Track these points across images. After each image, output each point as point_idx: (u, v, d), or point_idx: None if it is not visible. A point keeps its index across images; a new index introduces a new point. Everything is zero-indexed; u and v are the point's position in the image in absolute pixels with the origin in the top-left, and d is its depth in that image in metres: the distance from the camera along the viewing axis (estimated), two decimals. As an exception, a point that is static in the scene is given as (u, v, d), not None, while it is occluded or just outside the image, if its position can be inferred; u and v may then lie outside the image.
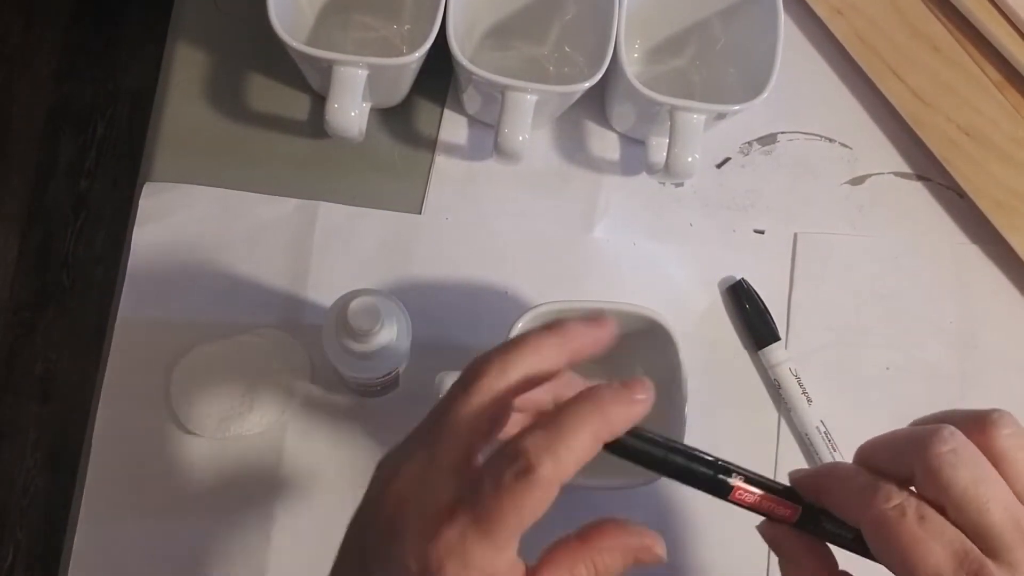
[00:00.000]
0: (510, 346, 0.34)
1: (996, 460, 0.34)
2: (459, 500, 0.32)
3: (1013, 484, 0.33)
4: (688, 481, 0.35)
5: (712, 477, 0.35)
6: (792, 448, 0.58)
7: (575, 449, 0.31)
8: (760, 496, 0.36)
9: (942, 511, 0.33)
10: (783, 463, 0.57)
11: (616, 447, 0.34)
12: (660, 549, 0.34)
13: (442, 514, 0.32)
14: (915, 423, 0.37)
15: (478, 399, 0.33)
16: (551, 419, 0.32)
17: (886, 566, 0.33)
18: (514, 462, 0.31)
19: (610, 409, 0.32)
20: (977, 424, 0.34)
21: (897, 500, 0.33)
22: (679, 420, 0.48)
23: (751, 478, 0.36)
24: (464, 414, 0.33)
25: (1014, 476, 0.33)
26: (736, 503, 0.36)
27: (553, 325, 0.35)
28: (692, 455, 0.35)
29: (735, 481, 0.35)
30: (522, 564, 0.33)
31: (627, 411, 0.33)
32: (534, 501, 0.31)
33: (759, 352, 0.58)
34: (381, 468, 0.35)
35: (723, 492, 0.35)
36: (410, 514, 0.33)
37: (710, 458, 0.35)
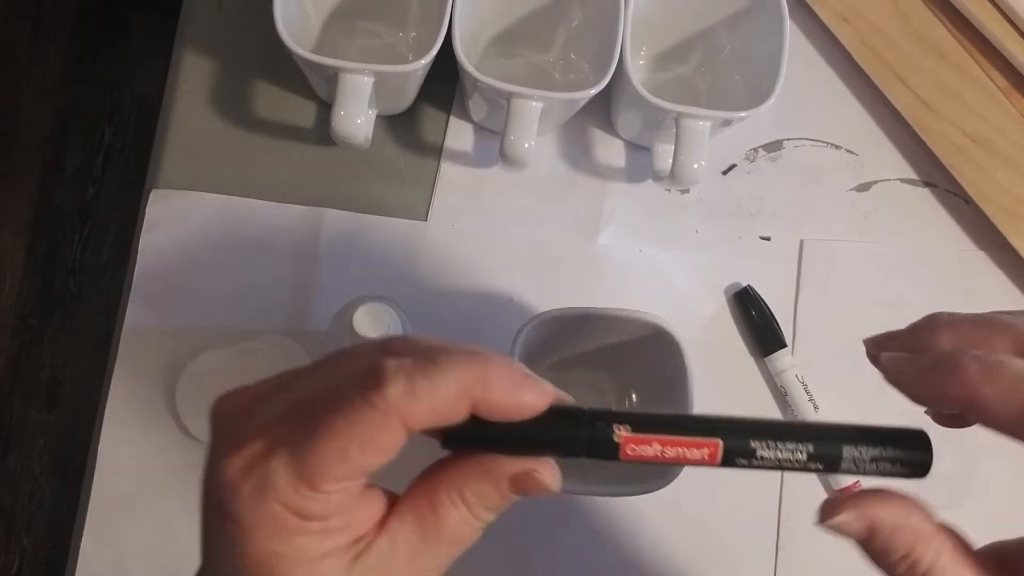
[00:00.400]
0: (424, 375, 0.27)
1: None
2: (295, 407, 0.27)
3: None
4: (562, 452, 0.29)
5: (587, 440, 0.28)
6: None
7: (437, 390, 0.26)
8: (659, 445, 0.28)
9: None
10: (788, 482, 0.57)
11: (460, 435, 0.28)
12: (546, 476, 0.28)
13: (259, 428, 0.27)
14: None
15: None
16: (428, 349, 0.28)
17: None
18: (367, 376, 0.26)
19: (495, 374, 0.27)
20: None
21: None
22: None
23: (643, 419, 0.29)
24: (340, 358, 0.29)
25: None
26: (636, 461, 0.29)
27: (479, 361, 0.27)
28: (551, 421, 0.28)
29: (620, 434, 0.28)
30: (370, 501, 0.28)
31: (513, 389, 0.27)
32: (370, 428, 0.25)
33: (765, 359, 0.58)
34: (220, 396, 0.30)
35: (610, 454, 0.29)
36: (226, 428, 0.28)
37: (579, 411, 0.29)
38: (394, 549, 0.28)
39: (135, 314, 0.55)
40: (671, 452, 0.28)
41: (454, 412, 0.27)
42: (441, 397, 0.26)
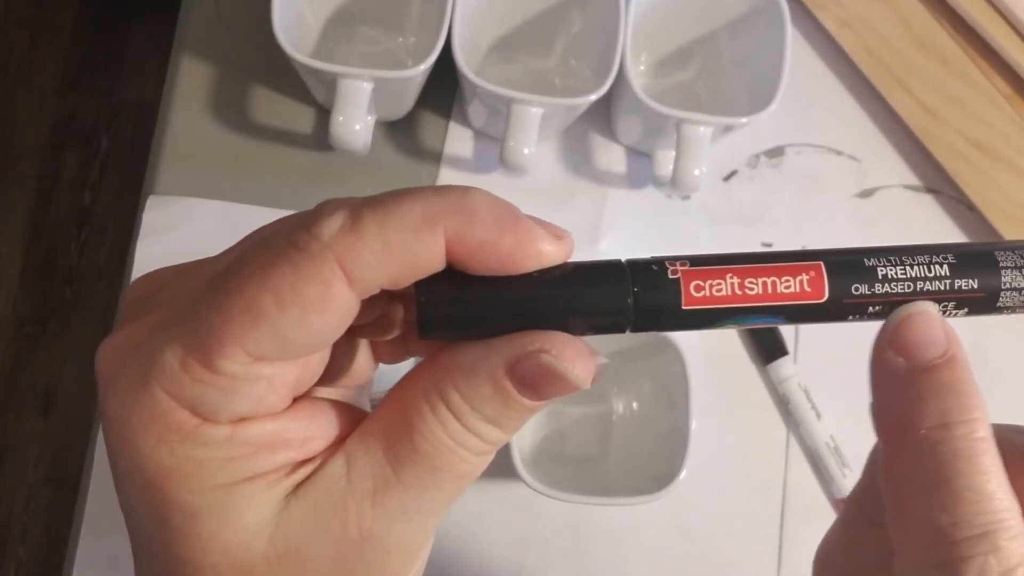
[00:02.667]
0: (369, 210, 0.20)
1: None
2: (196, 288, 0.20)
3: None
4: (595, 321, 0.20)
5: (632, 290, 0.20)
6: (801, 464, 0.57)
7: (389, 218, 0.19)
8: (736, 278, 0.20)
9: None
10: (792, 479, 0.57)
11: (440, 308, 0.20)
12: (568, 357, 0.20)
13: (161, 303, 0.21)
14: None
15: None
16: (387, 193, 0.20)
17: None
18: (302, 223, 0.20)
19: (478, 197, 0.20)
20: None
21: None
22: (685, 435, 0.48)
23: (705, 258, 0.21)
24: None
25: None
26: (707, 308, 0.20)
27: (438, 191, 0.20)
28: (572, 277, 0.20)
29: (678, 270, 0.20)
30: (318, 412, 0.21)
31: (507, 219, 0.20)
32: (290, 274, 0.18)
33: (767, 367, 0.57)
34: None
35: (668, 301, 0.20)
36: (126, 311, 0.22)
37: (610, 262, 0.21)
38: (352, 476, 0.20)
39: (131, 322, 0.54)
40: (754, 288, 0.20)
41: (420, 257, 0.19)
42: (397, 229, 0.19)
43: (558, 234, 0.21)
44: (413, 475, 0.20)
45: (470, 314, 0.20)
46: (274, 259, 0.19)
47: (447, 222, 0.19)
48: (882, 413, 0.24)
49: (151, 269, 0.56)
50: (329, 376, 0.22)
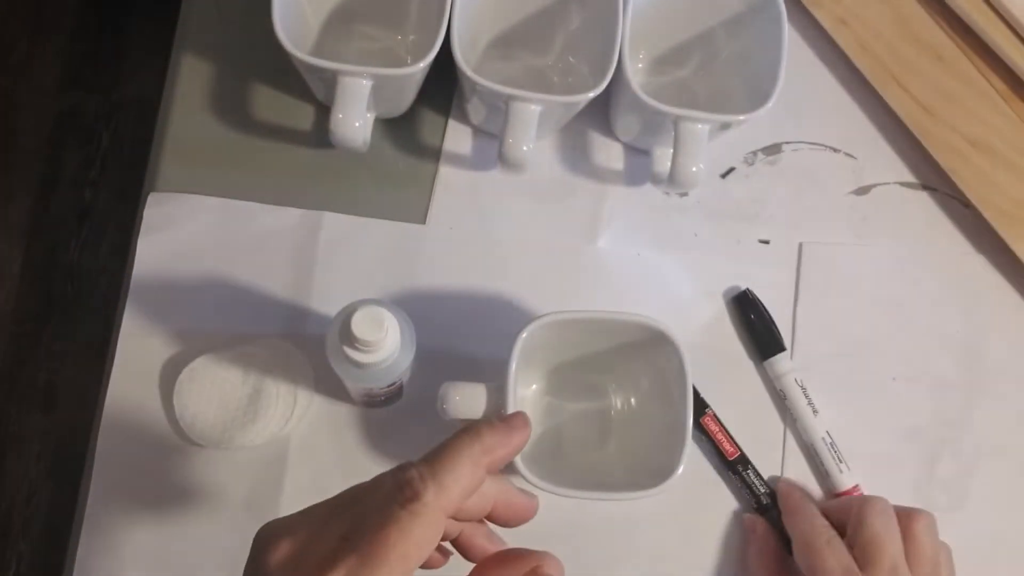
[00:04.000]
0: (442, 469, 0.34)
1: (907, 537, 0.50)
2: (344, 541, 0.31)
3: (909, 556, 0.49)
4: None
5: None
6: (798, 458, 0.57)
7: (458, 475, 0.33)
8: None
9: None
10: (789, 474, 0.57)
11: None
12: (550, 568, 0.36)
13: (326, 559, 0.31)
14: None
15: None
16: (432, 452, 0.34)
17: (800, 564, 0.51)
18: (398, 492, 0.32)
19: (488, 438, 0.35)
20: (907, 512, 0.51)
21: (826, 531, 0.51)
22: (683, 431, 0.48)
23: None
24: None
25: (912, 551, 0.49)
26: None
27: (473, 436, 0.35)
28: None
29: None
30: None
31: (505, 440, 0.35)
32: (421, 530, 0.31)
33: (764, 362, 0.58)
34: (261, 537, 0.34)
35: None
36: (292, 567, 0.32)
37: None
38: None
39: (133, 318, 0.55)
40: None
41: (476, 483, 0.34)
42: (462, 481, 0.33)
43: (521, 441, 0.38)
44: None
45: None
46: (411, 526, 0.31)
47: (482, 462, 0.34)
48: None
49: (152, 265, 0.57)
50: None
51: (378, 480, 0.33)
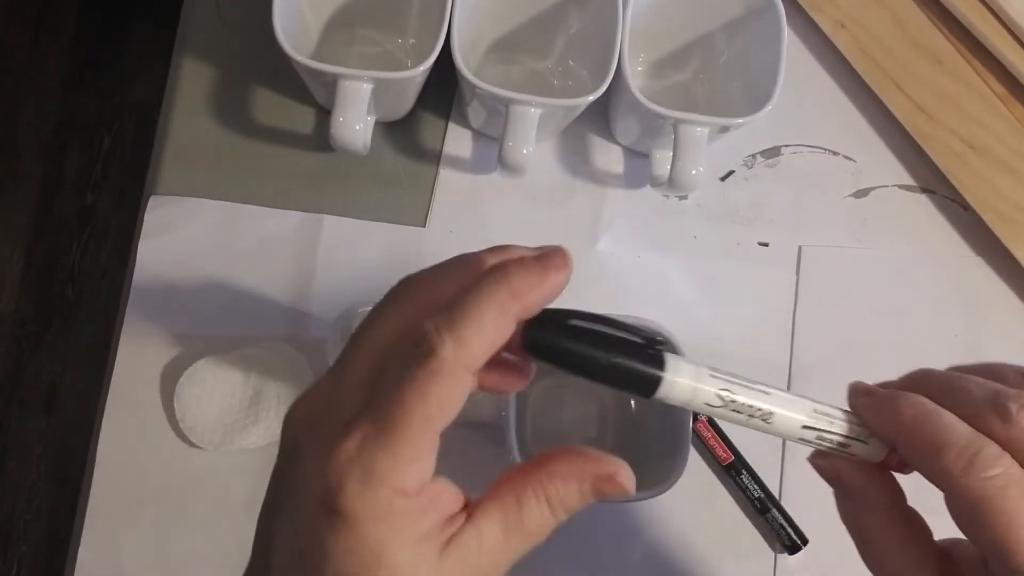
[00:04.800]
0: (463, 320, 0.28)
1: None
2: (364, 406, 0.29)
3: None
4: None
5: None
6: (799, 457, 0.57)
7: (481, 326, 0.28)
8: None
9: None
10: (789, 473, 0.57)
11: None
12: (625, 479, 0.30)
13: (344, 427, 0.28)
14: (959, 369, 0.35)
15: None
16: (454, 298, 0.29)
17: (969, 538, 0.30)
18: (415, 349, 0.28)
19: (517, 280, 0.29)
20: None
21: (999, 468, 0.29)
22: (683, 433, 0.48)
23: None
24: (378, 334, 0.31)
25: None
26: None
27: (500, 278, 0.29)
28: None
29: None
30: (447, 486, 0.30)
31: (538, 281, 0.29)
32: (440, 390, 0.27)
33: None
34: (297, 398, 0.32)
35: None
36: (311, 434, 0.30)
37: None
38: (480, 541, 0.29)
39: (134, 321, 0.55)
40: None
41: (503, 333, 0.29)
42: (487, 331, 0.28)
43: (559, 267, 0.30)
44: (516, 541, 0.30)
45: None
46: (428, 385, 0.27)
47: (510, 309, 0.28)
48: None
49: (153, 268, 0.57)
50: None
51: (385, 323, 0.31)
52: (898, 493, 0.33)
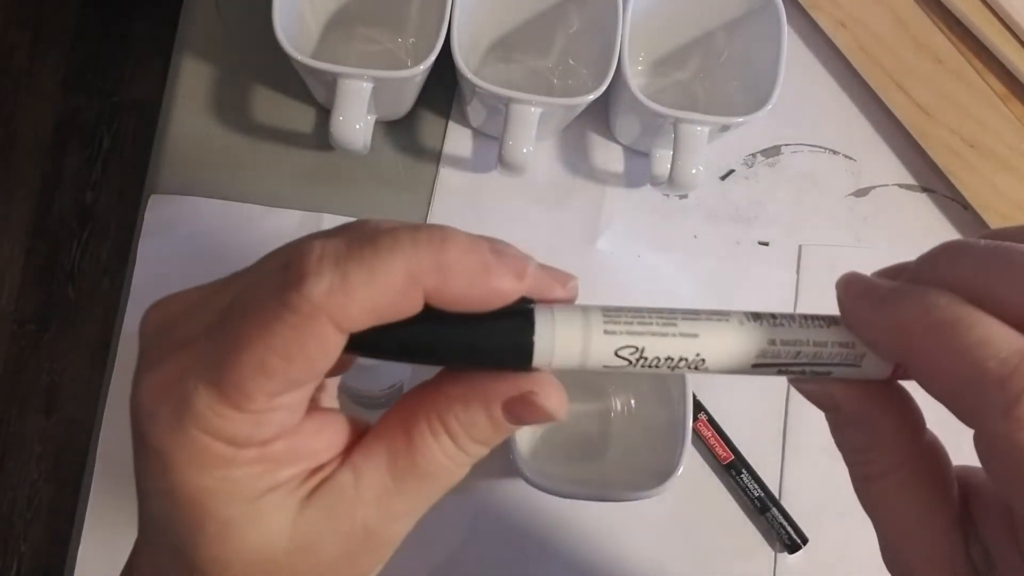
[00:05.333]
0: (359, 260, 0.22)
1: None
2: (207, 328, 0.23)
3: None
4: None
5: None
6: (799, 458, 0.57)
7: (374, 277, 0.21)
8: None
9: None
10: (789, 472, 0.57)
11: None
12: (546, 399, 0.23)
13: (179, 345, 0.23)
14: (1003, 235, 0.24)
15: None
16: (368, 232, 0.23)
17: (1004, 494, 0.22)
18: (283, 271, 0.22)
19: (456, 256, 0.22)
20: None
21: None
22: (682, 431, 0.48)
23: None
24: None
25: None
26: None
27: (432, 242, 0.22)
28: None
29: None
30: (327, 427, 0.24)
31: (477, 268, 0.22)
32: (288, 334, 0.21)
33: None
34: (151, 305, 0.26)
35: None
36: (152, 345, 0.24)
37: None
38: (359, 486, 0.24)
39: (134, 320, 0.55)
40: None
41: (401, 305, 0.22)
42: (382, 288, 0.21)
43: (521, 273, 0.23)
44: (412, 486, 0.24)
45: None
46: (273, 322, 0.21)
47: (426, 281, 0.22)
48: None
49: (153, 267, 0.57)
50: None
51: (295, 241, 0.24)
52: (914, 422, 0.25)
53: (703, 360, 0.24)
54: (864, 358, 0.24)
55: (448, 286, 0.22)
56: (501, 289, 0.23)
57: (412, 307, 0.22)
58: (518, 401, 0.23)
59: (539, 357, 0.23)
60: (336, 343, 0.22)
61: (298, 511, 0.23)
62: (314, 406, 0.24)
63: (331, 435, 0.24)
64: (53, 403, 1.35)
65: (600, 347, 0.23)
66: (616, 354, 0.24)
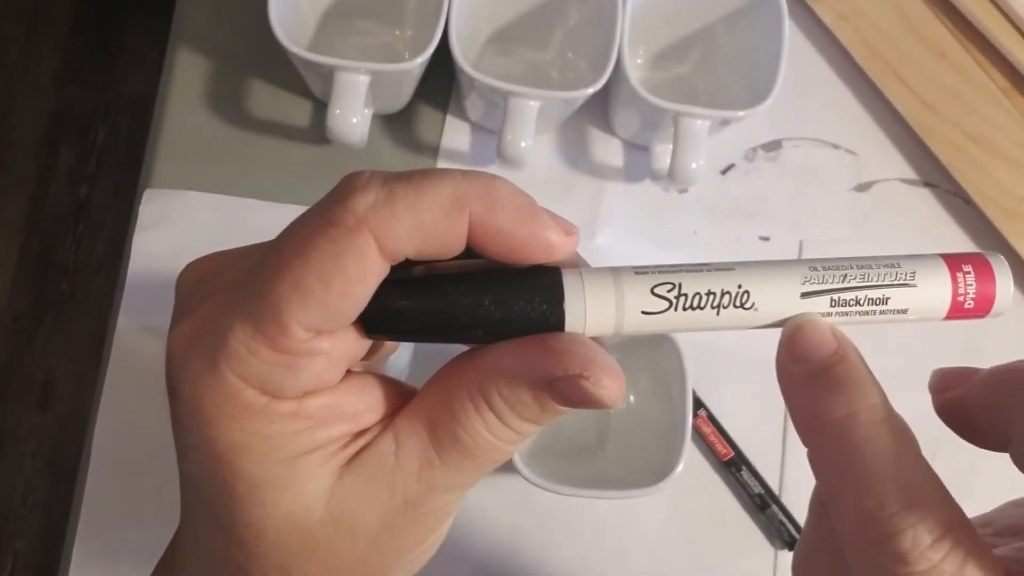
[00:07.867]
0: (405, 185, 0.21)
1: None
2: (247, 272, 0.22)
3: None
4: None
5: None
6: (799, 453, 0.57)
7: (423, 198, 0.20)
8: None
9: None
10: (789, 468, 0.57)
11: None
12: (605, 386, 0.21)
13: (213, 293, 0.22)
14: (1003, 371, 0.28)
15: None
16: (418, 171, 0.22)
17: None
18: (329, 196, 0.21)
19: (506, 198, 0.22)
20: None
21: None
22: (682, 429, 0.48)
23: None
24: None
25: None
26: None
27: (480, 180, 0.22)
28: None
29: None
30: (372, 391, 0.23)
31: (528, 212, 0.22)
32: (330, 249, 0.20)
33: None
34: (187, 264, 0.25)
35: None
36: (192, 291, 0.24)
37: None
38: (400, 454, 0.22)
39: (129, 315, 0.55)
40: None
41: (447, 235, 0.21)
42: (428, 205, 0.20)
43: (568, 229, 0.23)
44: (454, 459, 0.22)
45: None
46: (312, 237, 0.20)
47: (473, 207, 0.21)
48: (796, 417, 0.26)
49: (148, 262, 0.56)
50: (370, 350, 0.24)
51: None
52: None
53: (747, 293, 0.23)
54: (916, 275, 0.24)
55: (495, 217, 0.21)
56: (548, 238, 0.22)
57: (457, 237, 0.21)
58: (566, 384, 0.21)
59: (571, 297, 0.22)
60: (376, 268, 0.20)
61: (337, 478, 0.22)
62: (354, 370, 0.23)
63: (372, 398, 0.23)
64: (48, 399, 1.34)
65: (634, 287, 0.23)
66: (652, 292, 0.23)
